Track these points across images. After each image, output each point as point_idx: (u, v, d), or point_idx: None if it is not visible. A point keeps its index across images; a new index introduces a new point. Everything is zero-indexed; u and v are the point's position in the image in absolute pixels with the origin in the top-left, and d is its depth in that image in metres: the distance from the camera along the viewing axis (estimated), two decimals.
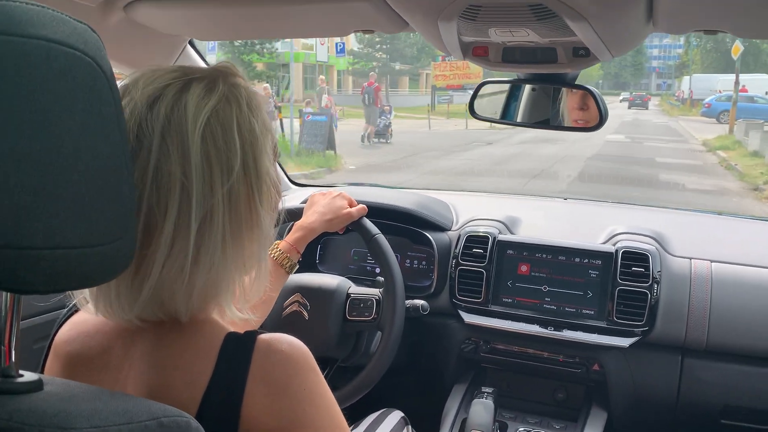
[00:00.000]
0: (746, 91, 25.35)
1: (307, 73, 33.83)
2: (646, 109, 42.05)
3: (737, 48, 19.82)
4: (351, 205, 1.51)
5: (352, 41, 37.72)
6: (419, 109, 27.84)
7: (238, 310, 0.82)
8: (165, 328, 0.77)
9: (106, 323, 0.81)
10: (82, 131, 0.57)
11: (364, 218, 1.52)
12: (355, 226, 1.52)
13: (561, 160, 14.27)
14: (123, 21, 1.20)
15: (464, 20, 1.00)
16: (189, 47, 1.50)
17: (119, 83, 0.68)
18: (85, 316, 0.84)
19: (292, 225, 1.48)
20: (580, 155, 14.99)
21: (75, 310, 0.88)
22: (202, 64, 1.55)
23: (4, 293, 0.63)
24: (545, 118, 1.60)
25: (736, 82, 20.45)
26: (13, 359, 0.62)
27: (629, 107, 41.81)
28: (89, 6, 1.11)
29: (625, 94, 51.54)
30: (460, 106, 25.09)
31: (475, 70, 28.08)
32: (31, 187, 0.52)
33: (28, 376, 0.62)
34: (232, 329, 0.78)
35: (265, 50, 24.09)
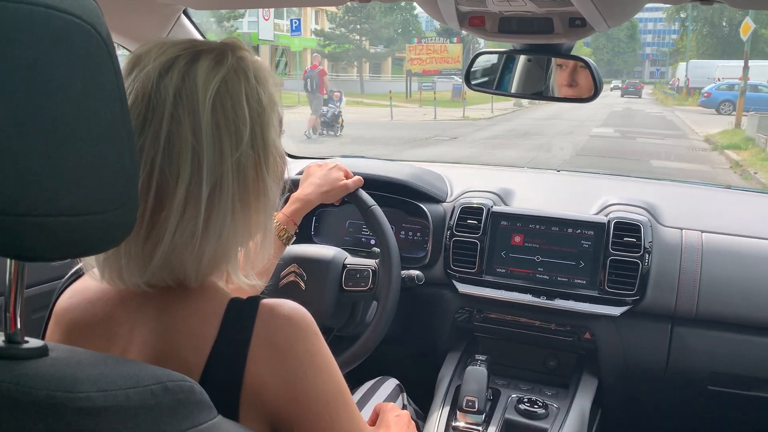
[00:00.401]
0: (748, 79, 22.42)
1: (280, 56, 30.52)
2: (639, 97, 40.35)
3: (747, 26, 17.07)
4: (347, 177, 1.52)
5: (325, 20, 35.35)
6: (397, 96, 26.15)
7: (245, 276, 0.84)
8: (169, 295, 0.78)
9: (108, 290, 0.82)
10: (82, 98, 0.57)
11: (360, 190, 1.53)
12: (351, 198, 1.53)
13: (530, 162, 11.38)
14: None
15: None
16: (183, 17, 1.49)
17: (120, 54, 0.69)
18: (87, 283, 0.85)
19: (288, 196, 1.49)
20: (555, 160, 12.15)
21: (75, 278, 0.89)
22: (197, 35, 1.54)
23: (8, 260, 0.63)
24: (539, 90, 1.60)
25: (745, 67, 17.76)
26: (19, 326, 0.63)
27: (622, 95, 40.18)
28: None
29: (616, 82, 49.43)
30: (436, 93, 23.62)
31: (453, 54, 26.88)
32: (33, 154, 0.53)
33: (33, 342, 0.63)
34: (234, 295, 0.80)
35: (224, 31, 22.59)
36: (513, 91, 1.63)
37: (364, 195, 1.53)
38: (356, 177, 1.53)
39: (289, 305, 0.77)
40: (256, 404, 0.73)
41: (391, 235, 1.52)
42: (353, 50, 36.09)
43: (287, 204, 1.42)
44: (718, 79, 27.04)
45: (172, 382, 0.63)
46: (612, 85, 48.32)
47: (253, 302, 0.77)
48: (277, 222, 1.37)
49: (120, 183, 0.62)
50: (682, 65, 40.70)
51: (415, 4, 1.19)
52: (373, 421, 1.21)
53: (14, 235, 0.54)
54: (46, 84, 0.54)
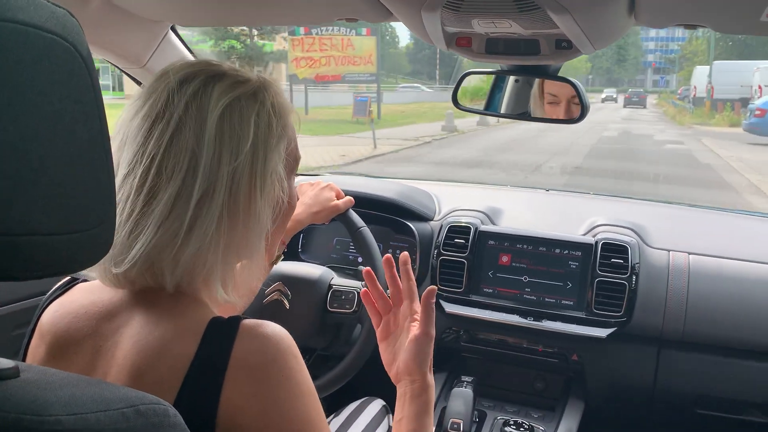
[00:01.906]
0: None
1: None
2: (644, 107, 37.08)
3: None
4: (338, 197, 1.51)
5: None
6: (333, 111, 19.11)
7: (224, 290, 0.83)
8: (152, 309, 0.78)
9: (93, 304, 0.81)
10: (60, 117, 0.56)
11: (350, 210, 1.52)
12: (340, 218, 1.52)
13: None
14: (104, 5, 1.19)
15: (448, 10, 1.00)
16: (171, 33, 1.48)
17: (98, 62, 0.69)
18: (73, 297, 0.84)
19: None
20: None
21: (60, 292, 0.87)
22: (186, 52, 1.54)
23: None
24: (527, 111, 1.60)
25: None
26: None
27: (625, 105, 37.03)
28: None
29: (609, 92, 44.41)
30: (334, 109, 17.53)
31: (362, 52, 18.76)
32: (6, 174, 0.52)
33: (3, 362, 0.62)
34: (217, 314, 0.79)
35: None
36: (502, 111, 1.63)
37: (354, 216, 1.52)
38: (347, 198, 1.52)
39: (270, 327, 0.76)
40: (230, 428, 0.72)
41: (378, 257, 1.51)
42: (243, 49, 22.59)
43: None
44: (759, 89, 19.06)
45: (144, 405, 0.61)
46: (604, 95, 43.15)
47: (233, 322, 0.75)
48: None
49: (98, 202, 0.61)
50: (700, 70, 32.18)
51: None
52: None
53: None
54: (23, 103, 0.53)
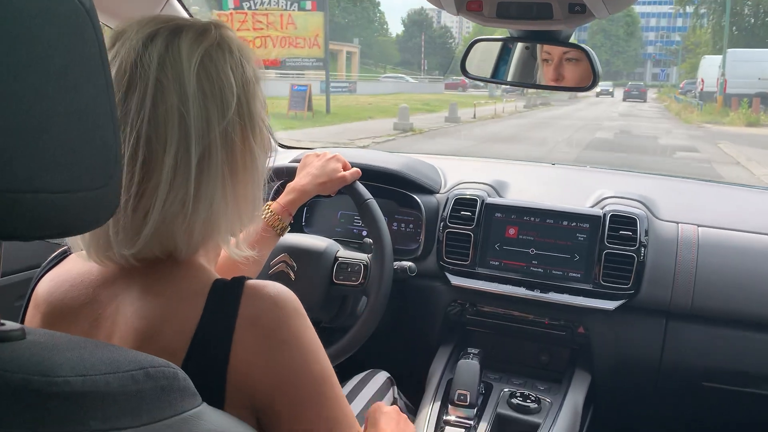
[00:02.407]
0: None
1: None
2: (644, 101, 35.11)
3: None
4: (345, 168, 1.49)
5: None
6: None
7: (236, 246, 0.83)
8: (153, 275, 0.77)
9: (90, 272, 0.80)
10: (64, 72, 0.54)
11: (357, 182, 1.50)
12: (347, 190, 1.50)
13: None
14: None
15: None
16: (174, 2, 1.45)
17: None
18: (68, 266, 0.83)
19: (282, 184, 1.46)
20: None
21: (55, 262, 0.86)
22: (187, 16, 1.50)
23: None
24: (534, 79, 1.57)
25: None
26: None
27: (624, 99, 35.22)
28: None
29: (605, 85, 40.80)
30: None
31: (308, 30, 15.07)
32: (10, 129, 0.50)
33: (9, 325, 0.61)
34: (218, 276, 0.77)
35: None
36: (509, 79, 1.61)
37: (361, 188, 1.50)
38: (354, 169, 1.49)
39: (275, 286, 0.75)
40: (241, 389, 0.71)
41: (385, 230, 1.49)
42: None
43: (283, 194, 1.39)
44: None
45: (154, 367, 0.60)
46: (599, 89, 38.15)
47: (238, 283, 0.74)
48: (271, 212, 1.34)
49: (103, 160, 0.59)
50: (709, 60, 28.63)
51: None
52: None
53: None
54: (26, 56, 0.51)
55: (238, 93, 0.76)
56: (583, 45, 1.34)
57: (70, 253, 0.85)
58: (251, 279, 0.75)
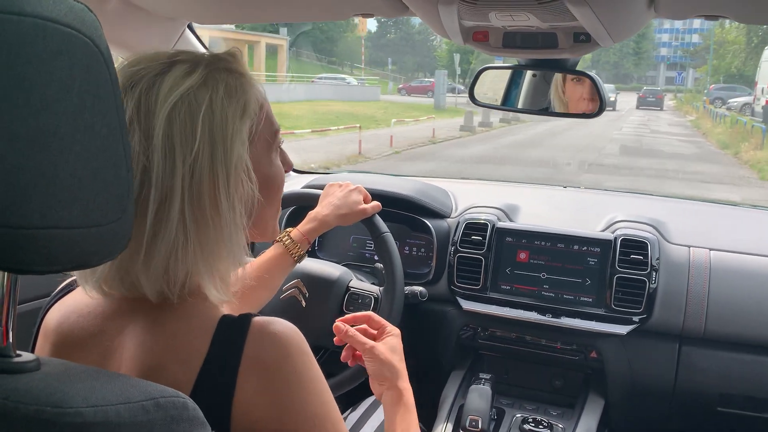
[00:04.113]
0: None
1: None
2: (661, 109, 30.47)
3: None
4: (366, 201, 1.49)
5: None
6: None
7: (215, 289, 0.80)
8: (157, 310, 0.77)
9: (98, 305, 0.81)
10: (79, 112, 0.57)
11: (376, 215, 1.51)
12: (365, 222, 1.51)
13: None
14: (121, 3, 1.20)
15: (465, 4, 0.99)
16: (188, 32, 1.49)
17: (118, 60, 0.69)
18: (76, 297, 0.84)
19: (298, 208, 1.47)
20: None
21: (64, 293, 0.88)
22: (201, 49, 1.54)
23: (1, 273, 0.63)
24: (545, 106, 1.59)
25: None
26: (11, 339, 0.63)
27: (638, 107, 30.43)
28: None
29: (609, 89, 28.37)
30: None
31: None
32: (27, 168, 0.52)
33: (25, 356, 0.62)
34: (227, 311, 0.78)
35: None
36: (520, 106, 1.62)
37: (379, 221, 1.51)
38: (375, 203, 1.50)
39: (280, 324, 0.76)
40: (245, 425, 0.72)
41: (398, 264, 1.50)
42: None
43: (304, 221, 1.41)
44: None
45: (164, 398, 0.62)
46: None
47: (244, 320, 0.75)
48: (291, 239, 1.35)
49: (116, 196, 0.61)
50: None
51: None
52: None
53: (8, 247, 0.53)
54: (42, 97, 0.54)
55: (213, 135, 0.73)
56: (589, 73, 1.35)
57: (77, 285, 0.86)
58: (258, 316, 0.76)
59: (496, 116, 21.79)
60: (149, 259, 0.74)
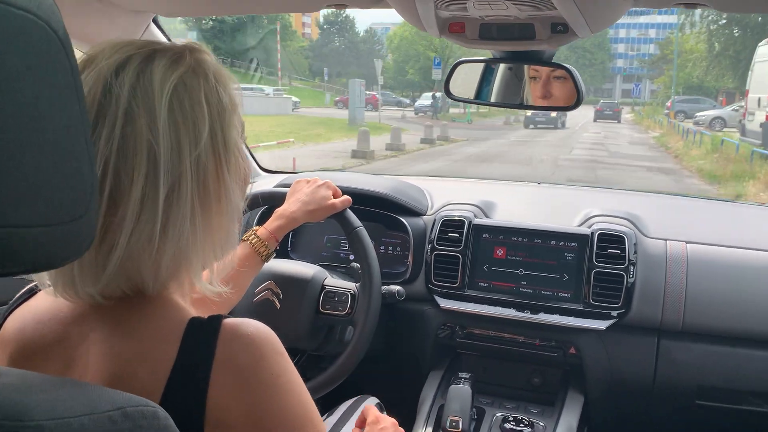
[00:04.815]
0: None
1: None
2: (618, 122, 29.76)
3: None
4: (335, 195, 1.47)
5: None
6: None
7: (208, 282, 0.80)
8: (125, 312, 0.73)
9: (60, 309, 0.76)
10: (35, 102, 0.52)
11: (347, 210, 1.48)
12: (336, 217, 1.48)
13: None
14: None
15: None
16: (153, 26, 1.44)
17: (80, 54, 0.65)
18: (37, 303, 0.80)
19: (269, 209, 1.43)
20: None
21: (23, 299, 0.83)
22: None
23: None
24: (519, 100, 1.57)
25: None
26: None
27: (595, 119, 29.69)
28: None
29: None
30: None
31: None
32: None
33: None
34: (194, 313, 0.75)
35: None
36: (492, 100, 1.60)
37: (351, 216, 1.48)
38: (345, 197, 1.47)
39: (253, 325, 0.73)
40: (219, 430, 0.68)
41: (374, 259, 1.47)
42: None
43: (270, 219, 1.37)
44: None
45: (132, 407, 0.58)
46: (530, 113, 25.89)
47: (214, 321, 0.72)
48: (258, 237, 1.32)
49: (78, 192, 0.57)
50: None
51: None
52: (360, 424, 1.18)
53: None
54: None
55: (212, 122, 0.73)
56: (565, 65, 1.34)
57: (38, 290, 0.82)
58: (228, 318, 0.73)
59: (412, 136, 18.73)
60: (161, 251, 0.71)
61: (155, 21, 1.44)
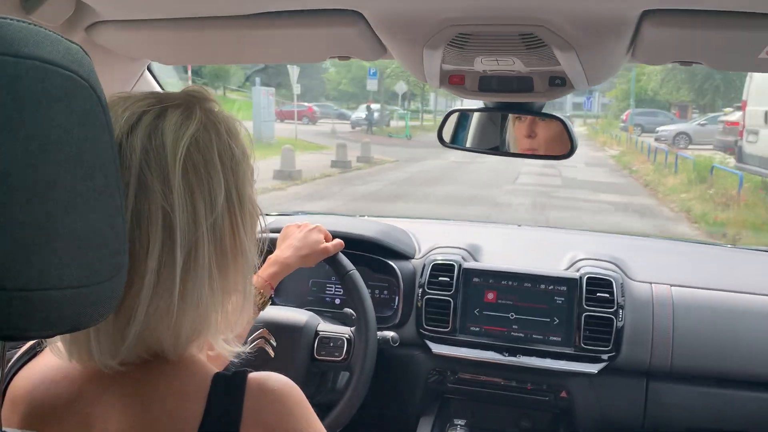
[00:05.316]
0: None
1: None
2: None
3: None
4: (327, 239, 1.46)
5: None
6: None
7: (225, 342, 0.78)
8: (145, 369, 0.71)
9: (73, 367, 0.74)
10: (79, 162, 0.52)
11: (339, 253, 1.47)
12: (329, 261, 1.47)
13: None
14: (84, 43, 1.13)
15: (451, 48, 0.99)
16: (147, 73, 1.44)
17: None
18: (46, 360, 0.77)
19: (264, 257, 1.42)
20: None
21: (29, 357, 0.80)
22: (160, 90, 1.48)
23: None
24: (495, 145, 1.58)
25: None
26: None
27: None
28: (50, 27, 1.04)
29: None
30: None
31: None
32: (26, 224, 0.47)
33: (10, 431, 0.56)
34: (216, 369, 0.73)
35: None
36: (469, 146, 1.60)
37: (344, 259, 1.47)
38: (337, 241, 1.47)
39: (278, 379, 0.72)
40: None
41: (369, 302, 1.46)
42: None
43: (264, 266, 1.35)
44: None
45: None
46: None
47: (239, 377, 0.71)
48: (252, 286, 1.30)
49: (111, 253, 0.56)
50: None
51: None
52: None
53: (1, 311, 0.47)
54: (42, 145, 0.49)
55: (227, 182, 0.71)
56: (559, 116, 1.37)
57: (40, 349, 0.79)
58: (252, 372, 0.72)
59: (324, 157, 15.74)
60: (181, 316, 0.69)
61: (149, 69, 1.43)
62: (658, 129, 22.40)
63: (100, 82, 0.57)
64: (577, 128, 25.61)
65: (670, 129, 21.87)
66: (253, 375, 0.71)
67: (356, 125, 28.59)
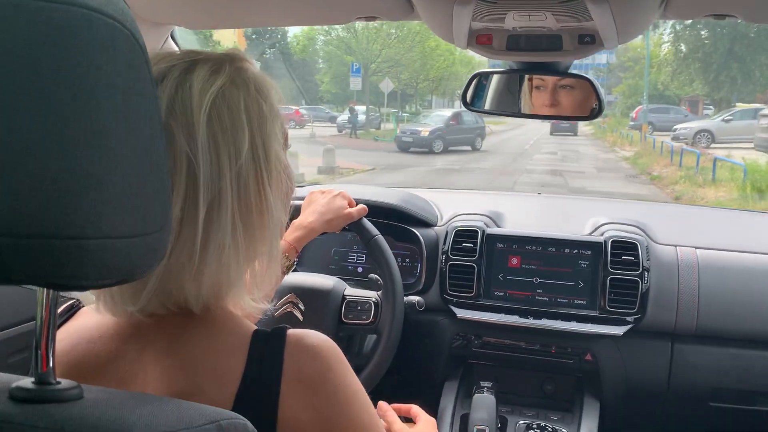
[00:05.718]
0: None
1: None
2: (575, 135, 26.39)
3: None
4: (351, 205, 1.47)
5: None
6: None
7: (252, 299, 0.78)
8: (181, 326, 0.72)
9: (110, 327, 0.75)
10: (126, 111, 0.52)
11: (364, 219, 1.48)
12: (353, 227, 1.48)
13: None
14: None
15: (484, 3, 0.98)
16: (170, 40, 1.43)
17: None
18: (81, 321, 0.78)
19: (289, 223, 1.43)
20: None
21: (66, 317, 0.81)
22: None
23: (38, 290, 0.57)
24: (515, 109, 1.56)
25: None
26: (51, 364, 0.57)
27: (552, 133, 26.10)
28: None
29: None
30: None
31: None
32: (79, 172, 0.48)
33: (65, 383, 0.57)
34: (254, 326, 0.74)
35: None
36: (496, 109, 1.58)
37: (368, 224, 1.48)
38: (361, 206, 1.48)
39: (316, 336, 0.73)
40: None
41: (395, 266, 1.47)
42: None
43: (289, 230, 1.36)
44: None
45: (225, 420, 0.58)
46: (410, 129, 20.59)
47: (279, 334, 0.71)
48: None
49: (159, 204, 0.57)
50: None
51: None
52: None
53: (56, 260, 0.48)
54: (90, 94, 0.49)
55: (253, 134, 0.71)
56: (587, 75, 1.36)
57: (80, 307, 0.80)
58: (291, 329, 0.72)
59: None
60: (202, 267, 0.69)
61: (173, 36, 1.43)
62: (675, 127, 20.33)
63: (141, 35, 0.57)
64: (583, 127, 26.55)
65: (689, 127, 19.70)
66: (293, 331, 0.72)
67: (342, 128, 26.35)
